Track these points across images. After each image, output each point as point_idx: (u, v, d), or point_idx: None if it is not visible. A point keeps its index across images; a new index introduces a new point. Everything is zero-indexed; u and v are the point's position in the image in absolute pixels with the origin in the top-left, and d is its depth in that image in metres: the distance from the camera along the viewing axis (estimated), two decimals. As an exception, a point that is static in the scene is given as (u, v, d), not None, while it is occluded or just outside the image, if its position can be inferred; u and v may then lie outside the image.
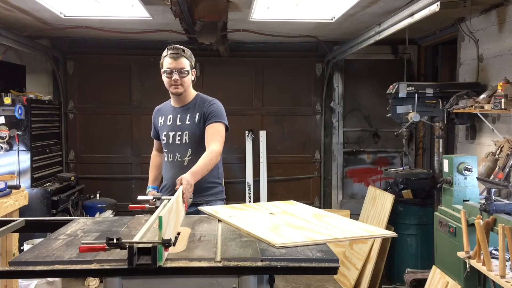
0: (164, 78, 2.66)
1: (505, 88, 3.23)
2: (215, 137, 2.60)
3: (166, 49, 2.66)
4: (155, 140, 2.98)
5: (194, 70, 2.72)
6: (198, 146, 2.65)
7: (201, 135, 2.66)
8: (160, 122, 2.81)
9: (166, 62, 2.63)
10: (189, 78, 2.68)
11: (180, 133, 2.70)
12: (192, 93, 2.77)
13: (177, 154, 2.70)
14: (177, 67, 2.61)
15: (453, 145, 4.58)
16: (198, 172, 2.41)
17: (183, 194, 2.21)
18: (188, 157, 2.67)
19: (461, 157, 3.22)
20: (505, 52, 3.69)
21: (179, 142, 2.70)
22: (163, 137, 2.76)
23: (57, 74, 5.62)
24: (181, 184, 2.25)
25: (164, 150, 2.79)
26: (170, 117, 2.76)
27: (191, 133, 2.68)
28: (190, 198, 2.29)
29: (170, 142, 2.73)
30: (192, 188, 2.29)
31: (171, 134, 2.72)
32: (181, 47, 2.64)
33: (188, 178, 2.28)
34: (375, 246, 4.31)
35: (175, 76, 2.61)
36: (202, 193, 2.62)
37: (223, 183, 2.86)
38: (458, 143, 4.48)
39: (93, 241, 1.58)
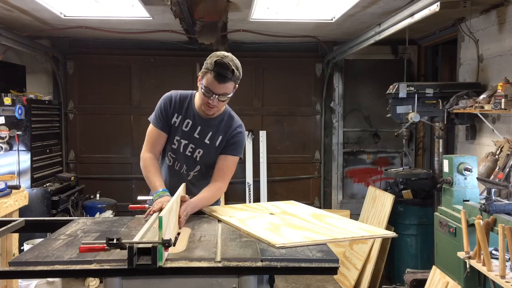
0: (200, 92, 2.29)
1: (505, 88, 3.23)
2: (227, 174, 2.44)
3: (213, 62, 2.19)
4: (154, 134, 2.46)
5: (237, 86, 2.34)
6: (207, 166, 2.47)
7: (214, 159, 2.44)
8: (175, 121, 2.42)
9: (209, 79, 2.21)
10: (228, 100, 2.35)
11: (193, 146, 2.42)
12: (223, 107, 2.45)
13: (184, 166, 2.46)
14: (219, 92, 2.22)
15: (453, 145, 4.58)
16: (198, 205, 2.30)
17: (179, 217, 2.09)
18: (194, 172, 2.47)
19: (461, 157, 3.22)
20: (505, 52, 3.69)
21: (189, 154, 2.44)
22: (175, 141, 2.43)
23: (57, 74, 5.61)
24: (182, 201, 2.18)
25: (170, 153, 2.48)
26: (188, 122, 2.41)
27: (205, 153, 2.43)
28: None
29: (181, 150, 2.43)
30: (187, 217, 2.16)
31: (184, 142, 2.42)
32: (232, 65, 2.21)
33: (188, 208, 2.16)
34: (375, 246, 4.31)
35: (213, 101, 2.25)
36: None
37: None
38: (458, 143, 4.49)
39: (93, 241, 1.58)
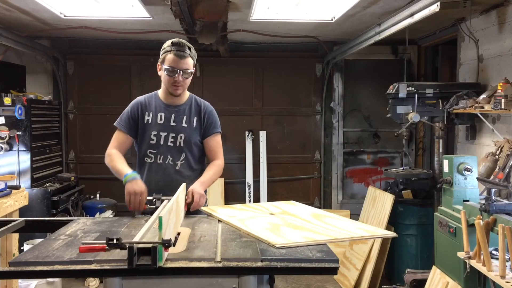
0: (164, 75, 2.49)
1: (505, 88, 3.23)
2: (219, 150, 2.64)
3: (170, 44, 2.46)
4: (120, 137, 2.59)
5: (194, 68, 2.57)
6: (191, 150, 2.57)
7: (196, 140, 2.58)
8: (147, 119, 2.56)
9: (170, 59, 2.44)
10: (190, 79, 2.54)
11: (174, 134, 2.54)
12: (187, 93, 2.64)
13: (169, 156, 2.53)
14: (182, 67, 2.44)
15: (453, 145, 4.57)
16: (205, 182, 2.46)
17: (191, 204, 2.29)
18: (181, 161, 2.55)
19: (461, 157, 3.22)
20: (505, 52, 3.69)
21: (172, 144, 2.54)
22: (152, 137, 2.53)
23: (57, 74, 5.61)
24: (192, 196, 2.30)
25: (149, 151, 2.55)
26: (161, 115, 2.56)
27: (186, 137, 2.55)
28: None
29: (162, 143, 2.53)
30: (204, 198, 2.37)
31: (163, 134, 2.53)
32: (187, 43, 2.48)
33: (199, 191, 2.34)
34: (375, 246, 4.31)
35: (179, 77, 2.45)
36: None
37: None
38: (458, 143, 4.48)
39: (93, 241, 1.58)
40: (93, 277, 4.05)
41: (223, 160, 2.66)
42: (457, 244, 2.98)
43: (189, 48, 2.47)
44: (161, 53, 2.50)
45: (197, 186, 2.38)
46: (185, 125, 2.56)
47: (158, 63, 2.52)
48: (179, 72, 2.44)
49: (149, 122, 2.56)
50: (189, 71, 2.48)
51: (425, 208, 4.29)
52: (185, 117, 2.57)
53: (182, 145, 2.55)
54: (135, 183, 2.29)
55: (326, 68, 5.82)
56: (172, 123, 2.55)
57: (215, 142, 2.63)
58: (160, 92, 2.62)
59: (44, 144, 4.82)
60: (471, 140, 4.14)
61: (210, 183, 2.52)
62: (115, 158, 2.50)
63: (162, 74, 2.51)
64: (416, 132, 5.73)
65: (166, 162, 2.54)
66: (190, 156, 2.57)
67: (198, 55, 2.94)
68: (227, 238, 1.85)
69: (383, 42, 4.73)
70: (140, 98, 2.65)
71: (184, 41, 2.48)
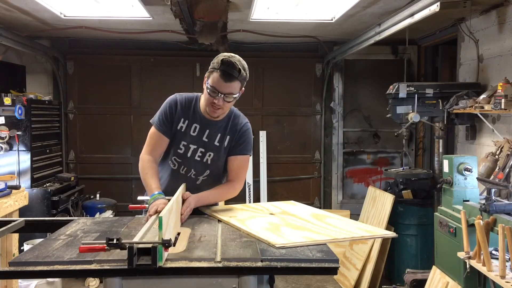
0: (206, 92, 2.25)
1: (505, 88, 3.23)
2: (241, 172, 2.44)
3: (220, 60, 2.18)
4: (155, 137, 2.40)
5: (243, 89, 2.29)
6: (217, 169, 2.45)
7: (223, 160, 2.43)
8: (181, 126, 2.37)
9: (214, 78, 2.18)
10: (233, 102, 2.31)
11: (203, 150, 2.38)
12: None
13: (193, 170, 2.40)
14: (224, 91, 2.19)
15: (453, 145, 4.58)
16: (201, 199, 2.28)
17: (181, 214, 2.12)
18: (203, 177, 2.42)
19: (461, 157, 3.22)
20: (505, 52, 3.69)
21: (199, 159, 2.39)
22: (181, 146, 2.38)
23: (57, 74, 5.62)
24: (184, 199, 2.17)
25: (174, 158, 2.41)
26: (195, 127, 2.37)
27: (215, 156, 2.40)
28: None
29: (189, 155, 2.39)
30: (191, 211, 2.18)
31: (192, 147, 2.38)
32: (239, 64, 2.19)
33: (191, 203, 2.17)
34: (375, 246, 4.31)
35: (219, 100, 2.22)
36: None
37: None
38: (458, 143, 4.49)
39: (93, 241, 1.58)
40: (93, 277, 4.05)
41: (242, 184, 2.44)
42: (457, 244, 2.98)
43: (240, 70, 2.18)
44: (210, 65, 2.25)
45: (193, 198, 2.22)
46: (217, 144, 2.39)
47: (205, 75, 2.28)
48: (221, 95, 2.20)
49: (182, 130, 2.38)
50: (233, 96, 2.23)
51: (425, 208, 4.29)
52: (219, 135, 2.39)
53: (209, 162, 2.40)
54: (159, 201, 2.11)
55: (326, 68, 5.82)
56: (204, 138, 2.38)
57: (240, 163, 2.43)
58: (202, 100, 2.38)
59: (44, 144, 4.82)
60: (471, 140, 4.14)
61: (207, 202, 2.35)
62: (146, 168, 2.34)
63: (205, 89, 2.27)
64: (416, 132, 5.73)
65: (188, 175, 2.41)
66: (215, 173, 2.45)
67: (198, 55, 2.88)
68: (227, 238, 1.85)
69: (383, 42, 4.73)
70: (179, 97, 2.41)
71: (236, 60, 2.20)
